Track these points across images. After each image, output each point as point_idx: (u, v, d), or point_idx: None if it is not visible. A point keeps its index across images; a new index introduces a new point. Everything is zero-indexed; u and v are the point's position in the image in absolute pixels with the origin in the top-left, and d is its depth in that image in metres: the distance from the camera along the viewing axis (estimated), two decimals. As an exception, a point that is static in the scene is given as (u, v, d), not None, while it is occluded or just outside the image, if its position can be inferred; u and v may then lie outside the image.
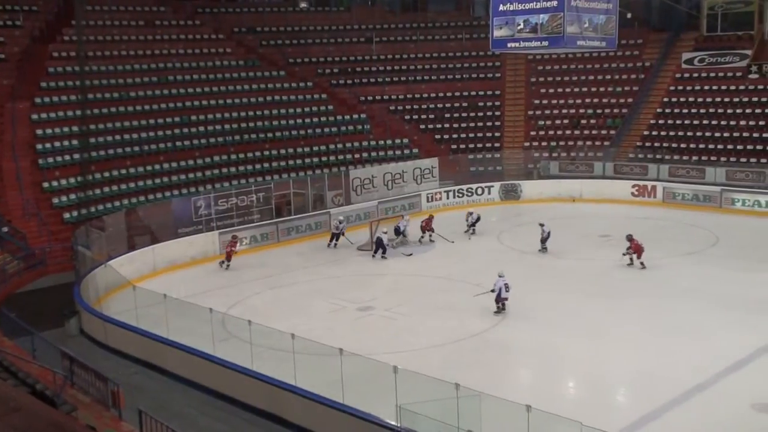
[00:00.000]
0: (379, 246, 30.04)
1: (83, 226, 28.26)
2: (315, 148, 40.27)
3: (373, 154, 41.49)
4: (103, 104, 36.80)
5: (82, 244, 26.85)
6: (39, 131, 34.35)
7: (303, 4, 52.83)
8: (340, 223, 32.26)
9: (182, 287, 26.72)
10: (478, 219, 33.01)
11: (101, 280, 25.67)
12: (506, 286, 22.98)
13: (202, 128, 38.58)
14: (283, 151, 39.40)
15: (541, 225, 29.88)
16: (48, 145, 33.90)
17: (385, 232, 30.44)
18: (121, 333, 22.12)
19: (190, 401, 18.85)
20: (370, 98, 45.66)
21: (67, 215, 31.26)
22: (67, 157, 33.71)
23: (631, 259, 27.26)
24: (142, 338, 21.35)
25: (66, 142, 34.21)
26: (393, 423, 15.26)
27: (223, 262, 29.31)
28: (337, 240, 31.88)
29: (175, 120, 38.31)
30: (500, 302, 23.06)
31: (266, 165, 38.35)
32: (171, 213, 31.00)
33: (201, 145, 37.83)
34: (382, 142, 42.25)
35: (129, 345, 21.84)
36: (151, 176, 34.97)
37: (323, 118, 42.39)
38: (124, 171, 34.48)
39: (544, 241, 29.73)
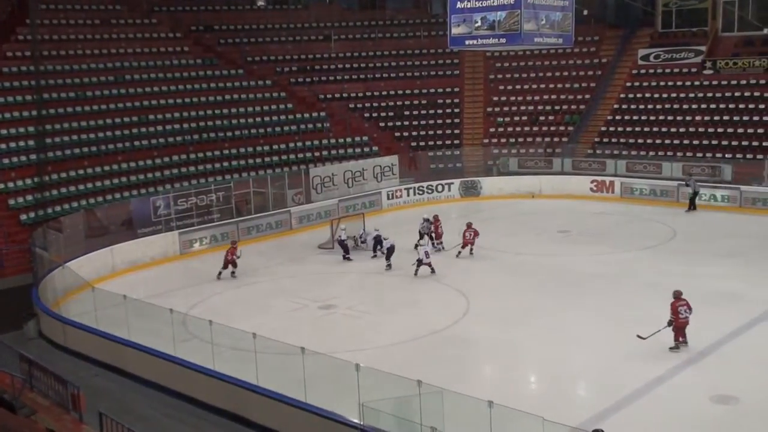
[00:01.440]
0: (377, 243, 29.71)
1: (40, 227, 27.91)
2: (274, 147, 40.11)
3: (333, 152, 41.44)
4: (59, 104, 36.34)
5: (39, 246, 26.50)
6: (-7, 132, 33.87)
7: (261, 2, 52.55)
8: (344, 231, 30.29)
9: (142, 288, 26.50)
10: None
11: (59, 281, 25.38)
12: (426, 254, 26.70)
13: (160, 127, 38.22)
14: (242, 150, 39.20)
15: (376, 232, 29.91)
16: (3, 146, 33.36)
17: (377, 230, 30.26)
18: (80, 335, 21.90)
19: (152, 403, 18.73)
20: (329, 96, 45.58)
21: (23, 217, 30.80)
22: (23, 158, 33.21)
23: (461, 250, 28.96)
24: (102, 340, 21.15)
25: (22, 143, 33.68)
26: (356, 421, 15.28)
27: (230, 272, 27.62)
28: (347, 251, 29.77)
29: (132, 119, 37.91)
30: (419, 266, 26.55)
31: (225, 164, 38.13)
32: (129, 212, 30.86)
33: (159, 144, 37.50)
34: (341, 140, 42.21)
35: (89, 347, 21.62)
36: (109, 176, 34.57)
37: (282, 117, 42.25)
38: (81, 171, 34.05)
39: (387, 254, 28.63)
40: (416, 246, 28.90)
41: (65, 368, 18.96)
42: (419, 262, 26.75)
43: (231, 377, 17.84)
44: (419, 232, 30.27)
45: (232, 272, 27.70)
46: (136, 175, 35.33)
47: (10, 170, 32.62)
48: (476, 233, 28.99)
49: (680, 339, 19.39)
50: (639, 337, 19.51)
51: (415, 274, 26.83)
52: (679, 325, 19.27)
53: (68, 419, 14.90)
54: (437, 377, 15.70)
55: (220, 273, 27.64)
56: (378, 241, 29.82)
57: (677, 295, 19.51)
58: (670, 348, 19.35)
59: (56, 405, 15.52)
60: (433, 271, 26.77)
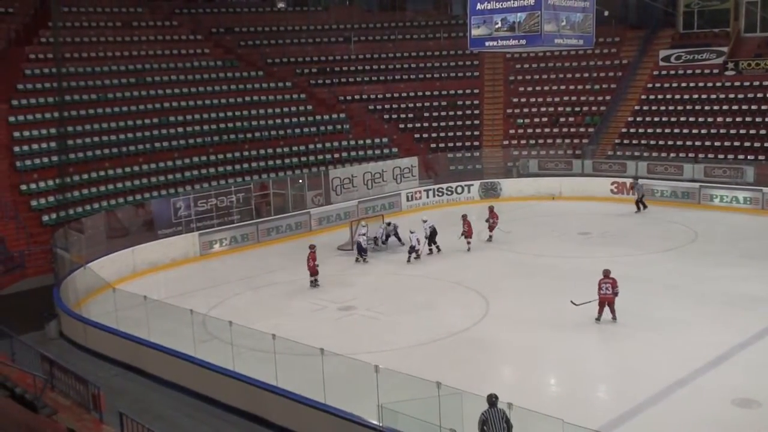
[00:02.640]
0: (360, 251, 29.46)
1: (62, 228, 28.07)
2: (294, 148, 40.20)
3: (353, 153, 41.48)
4: (80, 106, 36.61)
5: (61, 247, 26.68)
6: (16, 133, 34.09)
7: (281, 4, 52.79)
8: (365, 228, 30.12)
9: (163, 289, 26.66)
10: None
11: (81, 282, 25.53)
12: (418, 240, 28.60)
13: (180, 129, 38.43)
14: (262, 152, 39.32)
15: (424, 221, 30.35)
16: (25, 147, 33.67)
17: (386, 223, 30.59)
18: (101, 335, 22.01)
19: (172, 403, 18.78)
20: (349, 98, 45.65)
21: (45, 218, 31.04)
22: (45, 159, 33.49)
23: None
24: (123, 340, 21.25)
25: (44, 144, 33.97)
26: (375, 422, 15.27)
27: (314, 281, 26.56)
28: (365, 254, 29.47)
29: (153, 121, 38.15)
30: (412, 253, 28.48)
31: (245, 165, 38.26)
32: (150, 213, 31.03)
33: (180, 146, 37.69)
34: (361, 142, 42.25)
35: (109, 347, 21.73)
36: (130, 178, 34.80)
37: (302, 118, 42.34)
38: (102, 173, 34.27)
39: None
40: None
41: (86, 368, 19.10)
42: (412, 248, 28.56)
43: (250, 378, 17.86)
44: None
45: (312, 280, 26.54)
46: (157, 176, 35.54)
47: (32, 171, 32.89)
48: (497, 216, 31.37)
49: (610, 314, 21.52)
50: (572, 303, 21.86)
51: (408, 261, 28.70)
52: (600, 300, 21.39)
53: (89, 419, 14.99)
54: (456, 379, 15.66)
55: (315, 281, 26.51)
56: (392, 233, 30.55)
57: (605, 274, 21.64)
58: (596, 319, 21.52)
59: (77, 405, 15.61)
60: (418, 257, 28.82)
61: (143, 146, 36.59)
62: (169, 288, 26.89)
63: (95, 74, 39.28)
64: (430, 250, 29.66)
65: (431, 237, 29.71)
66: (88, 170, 33.94)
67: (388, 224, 31.08)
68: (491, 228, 31.02)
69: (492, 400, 13.81)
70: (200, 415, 18.13)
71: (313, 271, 26.41)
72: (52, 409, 14.30)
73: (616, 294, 21.29)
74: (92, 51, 40.67)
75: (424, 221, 30.17)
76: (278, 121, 41.58)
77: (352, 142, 42.14)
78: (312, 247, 26.93)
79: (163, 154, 36.79)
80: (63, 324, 23.84)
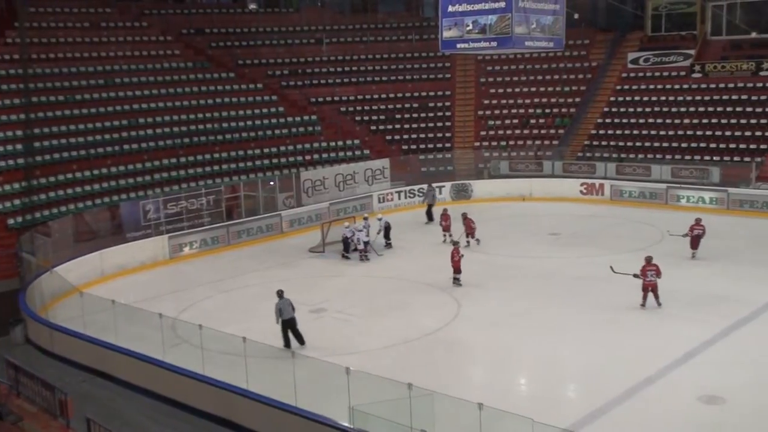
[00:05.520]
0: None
1: (28, 232, 27.79)
2: (265, 150, 40.05)
3: (324, 155, 41.40)
4: (48, 107, 36.23)
5: (26, 251, 26.41)
6: (-18, 136, 33.71)
7: (252, 6, 52.64)
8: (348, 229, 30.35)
9: (131, 293, 26.35)
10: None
11: (47, 286, 25.24)
12: (359, 240, 29.40)
13: (150, 131, 38.13)
14: (233, 153, 39.12)
15: (380, 219, 31.21)
16: (-9, 150, 33.33)
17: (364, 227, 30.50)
18: (68, 340, 21.78)
19: (141, 408, 18.63)
20: (320, 99, 45.59)
21: (11, 221, 30.67)
22: (11, 162, 33.05)
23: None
24: (90, 345, 21.04)
25: (10, 147, 33.55)
26: (346, 424, 15.26)
27: (457, 279, 25.75)
28: (348, 251, 30.05)
29: (122, 123, 37.81)
30: (361, 252, 29.36)
31: (216, 167, 38.05)
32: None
33: (149, 147, 37.38)
34: (333, 144, 42.18)
35: (76, 352, 21.51)
36: (98, 180, 34.45)
37: (273, 120, 42.20)
38: (70, 175, 33.91)
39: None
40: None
41: (52, 374, 18.89)
42: (356, 249, 29.51)
43: (221, 381, 17.76)
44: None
45: (455, 278, 25.85)
46: (126, 178, 35.22)
47: (-3, 174, 32.55)
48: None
49: (655, 300, 22.57)
50: (611, 268, 23.73)
51: (361, 259, 29.49)
52: (645, 286, 22.49)
53: (55, 425, 14.83)
54: (427, 380, 15.66)
55: (457, 279, 25.81)
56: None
57: (648, 260, 22.64)
58: (641, 305, 22.54)
59: (43, 411, 15.43)
60: (362, 259, 29.40)
61: (112, 148, 36.27)
62: (138, 292, 26.62)
63: (63, 75, 38.88)
64: (388, 244, 30.84)
65: (386, 232, 30.84)
66: (55, 173, 33.58)
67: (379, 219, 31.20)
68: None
69: (280, 293, 20.11)
70: (170, 420, 18.00)
71: (457, 268, 25.74)
72: (17, 417, 14.16)
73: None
74: (60, 52, 40.28)
75: (379, 219, 30.98)
76: (249, 122, 41.40)
77: (324, 144, 42.05)
78: (455, 243, 26.80)
79: (133, 156, 36.47)
80: (29, 329, 23.59)
